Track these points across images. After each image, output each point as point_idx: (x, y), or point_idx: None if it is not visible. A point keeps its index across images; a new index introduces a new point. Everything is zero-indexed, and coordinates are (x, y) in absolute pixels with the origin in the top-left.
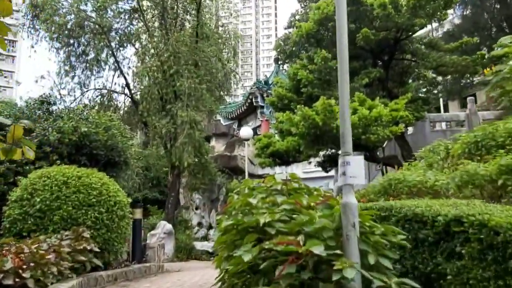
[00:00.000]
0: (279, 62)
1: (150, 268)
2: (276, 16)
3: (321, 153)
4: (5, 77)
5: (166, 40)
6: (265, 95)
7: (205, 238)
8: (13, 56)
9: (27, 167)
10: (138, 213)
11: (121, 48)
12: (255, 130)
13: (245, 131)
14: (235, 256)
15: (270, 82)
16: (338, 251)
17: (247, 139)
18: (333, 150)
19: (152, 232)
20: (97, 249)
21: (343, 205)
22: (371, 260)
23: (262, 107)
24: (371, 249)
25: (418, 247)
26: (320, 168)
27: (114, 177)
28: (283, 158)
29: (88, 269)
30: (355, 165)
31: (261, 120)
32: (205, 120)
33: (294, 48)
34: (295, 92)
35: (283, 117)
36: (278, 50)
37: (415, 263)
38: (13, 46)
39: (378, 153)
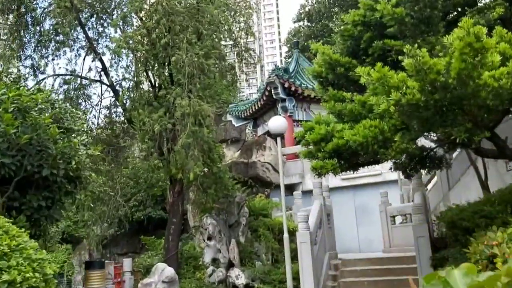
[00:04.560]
0: (299, 46)
1: None
2: (278, 20)
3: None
4: None
5: None
6: (286, 85)
7: (224, 282)
8: None
9: None
10: (97, 279)
11: (92, 19)
12: None
13: (276, 122)
14: None
15: (291, 70)
16: None
17: (279, 134)
18: (462, 134)
19: (145, 281)
20: None
21: None
22: None
23: (284, 100)
24: None
25: None
26: (365, 172)
27: (48, 208)
28: (353, 157)
29: None
30: None
31: (283, 117)
32: (213, 124)
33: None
34: (351, 55)
35: (374, 74)
36: (289, 45)
37: None
38: None
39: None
